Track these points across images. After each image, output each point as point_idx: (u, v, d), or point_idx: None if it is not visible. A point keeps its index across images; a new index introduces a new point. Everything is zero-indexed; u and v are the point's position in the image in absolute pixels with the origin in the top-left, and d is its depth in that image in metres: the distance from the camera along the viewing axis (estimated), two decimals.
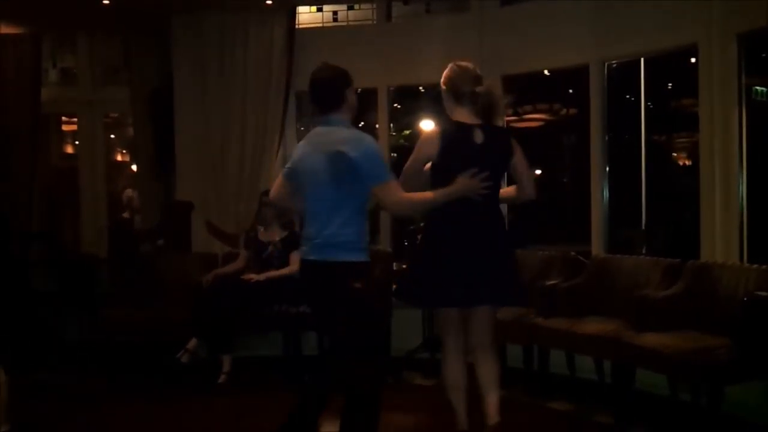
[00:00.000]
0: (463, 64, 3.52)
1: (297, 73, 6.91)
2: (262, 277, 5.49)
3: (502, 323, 4.93)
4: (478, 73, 3.50)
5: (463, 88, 3.44)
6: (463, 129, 3.41)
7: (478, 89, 3.45)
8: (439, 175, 3.36)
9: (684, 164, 8.67)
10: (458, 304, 3.46)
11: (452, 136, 3.40)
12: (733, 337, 3.85)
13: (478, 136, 3.40)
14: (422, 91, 8.92)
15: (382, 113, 7.29)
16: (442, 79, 3.52)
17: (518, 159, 3.49)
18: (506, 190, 3.68)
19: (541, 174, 10.21)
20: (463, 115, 3.44)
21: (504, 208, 3.80)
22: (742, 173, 5.21)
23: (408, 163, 3.43)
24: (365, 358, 3.14)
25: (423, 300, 3.71)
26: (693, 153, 6.57)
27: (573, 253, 5.46)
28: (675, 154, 9.02)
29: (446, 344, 3.54)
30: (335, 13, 7.56)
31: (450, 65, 3.53)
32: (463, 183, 3.27)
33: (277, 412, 3.25)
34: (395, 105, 8.61)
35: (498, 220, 3.51)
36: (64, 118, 9.78)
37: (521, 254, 5.72)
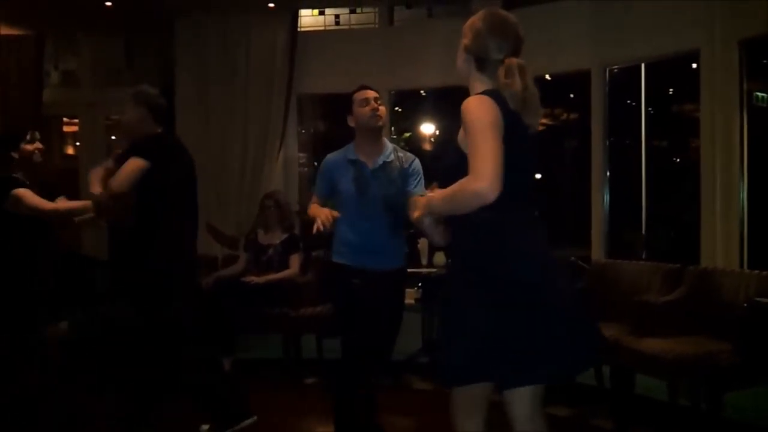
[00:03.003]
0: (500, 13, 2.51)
1: (299, 76, 6.93)
2: (261, 280, 5.49)
3: None
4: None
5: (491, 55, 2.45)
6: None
7: None
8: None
9: (685, 169, 8.67)
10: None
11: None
12: (734, 342, 3.84)
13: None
14: (423, 94, 8.92)
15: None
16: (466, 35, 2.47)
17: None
18: None
19: (541, 178, 10.21)
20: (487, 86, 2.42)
21: None
22: (743, 179, 5.22)
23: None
24: None
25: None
26: (694, 158, 6.56)
27: (573, 258, 5.46)
28: (675, 160, 9.01)
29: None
30: (337, 16, 7.57)
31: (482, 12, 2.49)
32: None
33: (276, 414, 3.24)
34: (396, 108, 8.62)
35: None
36: (65, 119, 9.78)
37: None
